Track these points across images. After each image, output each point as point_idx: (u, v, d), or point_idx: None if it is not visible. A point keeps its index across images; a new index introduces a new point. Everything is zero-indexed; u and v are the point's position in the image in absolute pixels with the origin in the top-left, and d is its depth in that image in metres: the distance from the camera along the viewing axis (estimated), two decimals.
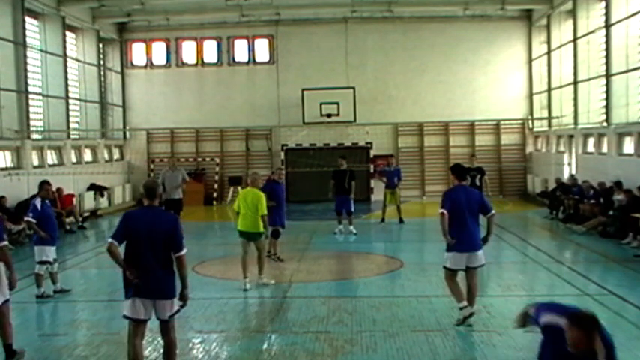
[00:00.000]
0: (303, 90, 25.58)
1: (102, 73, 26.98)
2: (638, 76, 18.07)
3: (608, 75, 19.53)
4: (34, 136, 21.34)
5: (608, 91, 19.60)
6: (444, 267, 8.84)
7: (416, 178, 26.49)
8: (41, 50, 21.86)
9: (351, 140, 26.40)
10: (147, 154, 27.93)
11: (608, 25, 19.47)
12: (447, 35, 26.75)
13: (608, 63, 19.55)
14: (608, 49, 19.54)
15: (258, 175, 11.97)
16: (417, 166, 26.72)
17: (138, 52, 28.10)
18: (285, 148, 26.96)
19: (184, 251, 6.41)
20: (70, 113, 23.58)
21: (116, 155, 27.38)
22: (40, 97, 21.77)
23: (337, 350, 7.77)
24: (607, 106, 19.64)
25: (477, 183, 16.96)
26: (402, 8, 25.58)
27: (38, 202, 10.64)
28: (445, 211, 8.63)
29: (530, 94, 27.10)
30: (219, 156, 27.68)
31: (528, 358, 7.54)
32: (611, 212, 16.16)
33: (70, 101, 23.65)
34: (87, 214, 21.91)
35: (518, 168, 27.17)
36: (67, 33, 24.07)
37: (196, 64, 27.93)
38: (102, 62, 27.03)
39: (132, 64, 28.14)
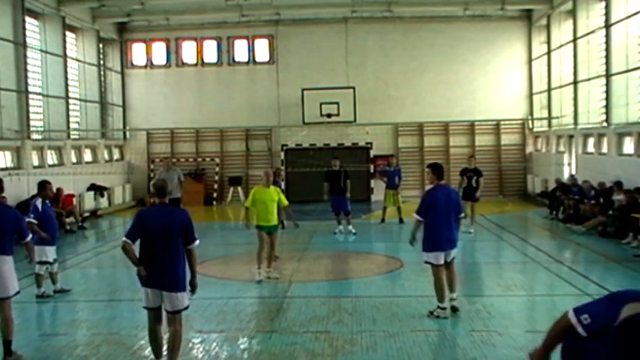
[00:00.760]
0: (303, 90, 25.59)
1: (102, 73, 26.99)
2: (638, 76, 18.07)
3: (608, 75, 19.53)
4: (34, 136, 21.34)
5: (608, 91, 19.60)
6: (429, 263, 9.13)
7: (416, 178, 26.47)
8: (41, 50, 21.87)
9: (351, 140, 26.40)
10: (147, 154, 27.94)
11: (608, 25, 19.47)
12: (447, 35, 26.75)
13: (608, 63, 19.55)
14: (608, 49, 19.54)
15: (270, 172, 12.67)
16: (417, 166, 26.70)
17: (138, 52, 28.10)
18: (285, 148, 26.96)
19: (196, 243, 6.86)
20: (70, 113, 23.58)
21: (116, 155, 27.39)
22: (40, 97, 21.77)
23: (337, 350, 7.77)
24: (607, 106, 19.64)
25: (474, 184, 16.93)
26: (402, 8, 25.58)
27: (39, 203, 10.63)
28: (420, 219, 9.04)
29: (530, 94, 27.11)
30: (219, 156, 27.68)
31: None
32: (610, 212, 16.16)
33: (70, 101, 23.66)
34: (87, 214, 21.91)
35: (518, 168, 27.18)
36: (67, 33, 24.08)
37: (196, 64, 27.93)
38: (102, 62, 27.03)
39: (132, 64, 28.14)
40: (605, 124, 19.71)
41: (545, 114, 25.70)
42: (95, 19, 25.46)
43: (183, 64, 27.95)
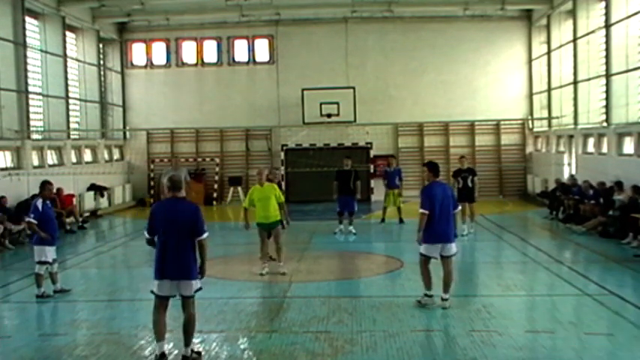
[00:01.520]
0: (303, 90, 25.58)
1: (102, 73, 26.98)
2: (638, 76, 18.06)
3: (608, 75, 19.53)
4: (34, 136, 21.33)
5: (608, 91, 19.59)
6: (422, 254, 9.63)
7: (416, 178, 26.32)
8: (41, 50, 21.87)
9: (351, 140, 26.39)
10: (147, 154, 27.94)
11: (608, 25, 19.46)
12: (447, 35, 26.75)
13: (608, 63, 19.54)
14: (608, 49, 19.53)
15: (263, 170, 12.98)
16: (417, 166, 26.57)
17: (138, 52, 28.09)
18: (285, 148, 26.96)
19: (206, 235, 7.34)
20: (70, 113, 23.58)
21: (116, 155, 27.39)
22: (40, 97, 21.77)
23: (337, 350, 7.77)
24: (607, 106, 19.64)
25: (470, 184, 16.83)
26: (402, 8, 25.58)
27: (39, 203, 10.63)
28: (426, 212, 9.47)
29: (530, 94, 27.10)
30: (219, 156, 27.68)
31: (528, 358, 7.56)
32: (611, 212, 16.16)
33: (70, 101, 23.65)
34: (87, 214, 21.91)
35: (518, 168, 27.17)
36: (67, 33, 24.07)
37: (196, 64, 27.93)
38: (102, 62, 27.03)
39: (132, 64, 28.14)
40: (605, 124, 19.71)
41: (545, 114, 25.70)
42: (95, 19, 25.46)
43: (183, 64, 27.95)
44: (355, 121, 25.51)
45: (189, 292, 7.27)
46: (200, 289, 7.42)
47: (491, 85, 26.81)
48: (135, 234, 18.68)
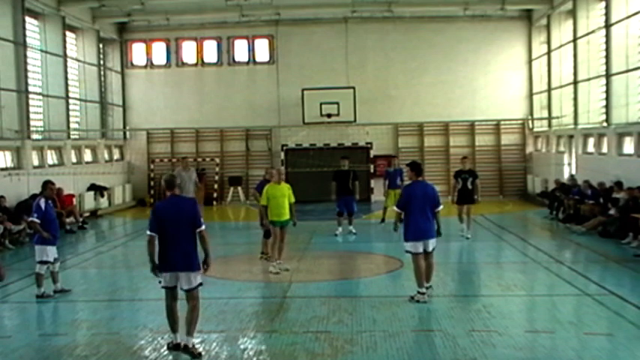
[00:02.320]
0: (303, 90, 25.58)
1: (102, 73, 26.98)
2: (638, 76, 18.08)
3: (608, 75, 19.53)
4: (34, 136, 21.33)
5: (608, 91, 19.60)
6: (409, 252, 10.08)
7: None
8: (41, 50, 21.87)
9: (351, 140, 26.40)
10: (147, 154, 27.93)
11: (608, 25, 19.46)
12: (447, 35, 26.74)
13: (608, 63, 19.54)
14: (608, 49, 19.54)
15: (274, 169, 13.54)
16: None
17: (138, 52, 28.09)
18: (285, 148, 26.96)
19: (202, 227, 7.65)
20: (70, 113, 23.57)
21: (116, 155, 27.38)
22: (40, 97, 21.77)
23: (337, 350, 7.77)
24: (607, 106, 19.64)
25: (470, 186, 16.59)
26: (402, 8, 25.57)
27: (42, 203, 10.64)
28: (399, 210, 10.34)
29: (530, 94, 27.10)
30: (219, 156, 27.68)
31: (528, 357, 7.56)
32: (612, 211, 16.15)
33: (70, 101, 23.65)
34: (87, 214, 21.91)
35: (518, 168, 27.17)
36: (67, 33, 24.07)
37: (196, 64, 27.93)
38: (102, 62, 27.02)
39: (132, 64, 28.14)
40: (605, 124, 19.71)
41: (545, 114, 25.70)
42: (95, 19, 25.46)
43: (183, 64, 27.95)
44: (355, 121, 25.51)
45: (191, 285, 7.57)
46: (201, 284, 7.68)
47: (491, 85, 26.81)
48: (135, 234, 18.68)
